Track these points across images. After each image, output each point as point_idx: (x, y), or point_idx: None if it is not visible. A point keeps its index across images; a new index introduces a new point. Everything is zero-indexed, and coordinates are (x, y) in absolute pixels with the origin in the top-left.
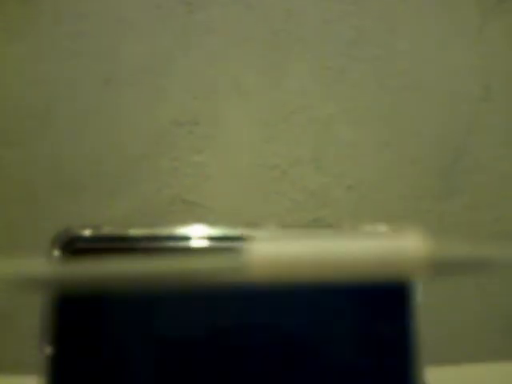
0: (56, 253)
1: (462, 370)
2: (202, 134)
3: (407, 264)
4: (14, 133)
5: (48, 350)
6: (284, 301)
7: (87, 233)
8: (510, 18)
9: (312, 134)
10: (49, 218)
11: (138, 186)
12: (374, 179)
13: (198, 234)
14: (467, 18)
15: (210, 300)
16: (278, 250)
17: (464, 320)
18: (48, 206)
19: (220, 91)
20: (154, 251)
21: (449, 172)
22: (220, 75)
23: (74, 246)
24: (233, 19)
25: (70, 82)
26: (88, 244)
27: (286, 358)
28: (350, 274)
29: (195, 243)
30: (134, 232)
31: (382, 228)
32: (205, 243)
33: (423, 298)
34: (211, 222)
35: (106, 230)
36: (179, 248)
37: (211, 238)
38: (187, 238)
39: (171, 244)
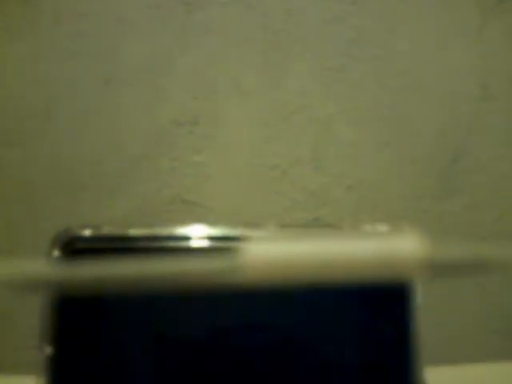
0: (56, 253)
1: (462, 371)
2: (202, 133)
3: (404, 265)
4: (14, 133)
5: (48, 349)
6: (284, 301)
7: (87, 233)
8: (509, 17)
9: (312, 134)
10: (49, 218)
11: (137, 186)
12: (374, 179)
13: (197, 234)
14: (467, 17)
15: (210, 299)
16: (273, 251)
17: (464, 320)
18: (48, 205)
19: (220, 91)
20: (154, 251)
21: (449, 172)
22: (220, 75)
23: (74, 246)
24: (232, 19)
25: (70, 82)
26: (88, 244)
27: (285, 358)
28: (347, 276)
29: (195, 243)
30: (133, 232)
31: (382, 228)
32: (204, 243)
33: (423, 299)
34: (211, 222)
35: (106, 230)
36: (179, 248)
37: (211, 238)
38: (187, 238)
39: (171, 244)
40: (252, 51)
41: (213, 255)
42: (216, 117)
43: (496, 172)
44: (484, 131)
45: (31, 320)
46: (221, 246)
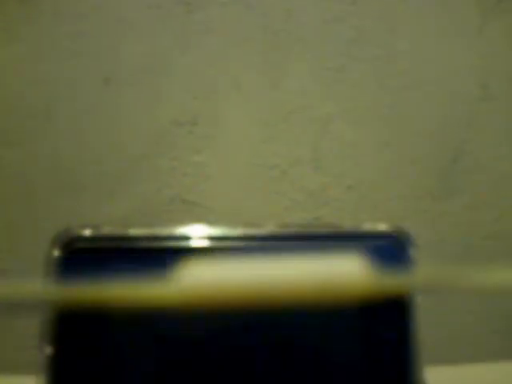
0: (56, 253)
1: (462, 370)
2: (202, 133)
3: (343, 290)
4: (14, 133)
5: (48, 349)
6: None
7: (87, 233)
8: (509, 17)
9: (312, 133)
10: (49, 218)
11: (137, 186)
12: (374, 179)
13: (197, 234)
14: (467, 18)
15: None
16: (210, 277)
17: (464, 320)
18: (48, 206)
19: (220, 91)
20: (154, 251)
21: (448, 172)
22: (220, 75)
23: (74, 246)
24: (232, 19)
25: (70, 82)
26: (88, 244)
27: (285, 361)
28: (285, 300)
29: (195, 243)
30: (133, 232)
31: (382, 227)
32: (205, 243)
33: (423, 299)
34: (211, 222)
35: (106, 230)
36: (179, 248)
37: (211, 238)
38: (187, 238)
39: (171, 244)
40: (252, 51)
41: (149, 282)
42: (216, 117)
43: (496, 172)
44: (484, 131)
45: (31, 320)
46: (221, 246)
